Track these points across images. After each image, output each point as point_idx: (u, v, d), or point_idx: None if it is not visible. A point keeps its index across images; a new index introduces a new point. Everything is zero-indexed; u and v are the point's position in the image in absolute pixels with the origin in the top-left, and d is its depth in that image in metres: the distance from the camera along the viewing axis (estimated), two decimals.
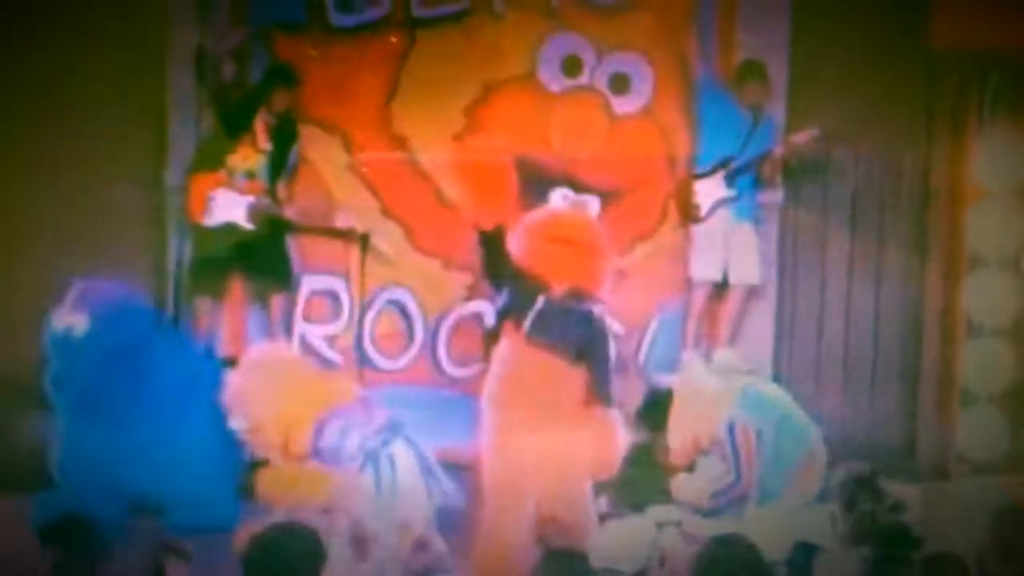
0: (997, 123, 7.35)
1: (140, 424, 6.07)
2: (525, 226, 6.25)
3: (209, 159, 6.77)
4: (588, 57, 7.24)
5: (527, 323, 6.08)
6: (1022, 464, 7.32)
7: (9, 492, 6.34)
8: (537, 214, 6.42)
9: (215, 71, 6.78)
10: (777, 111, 7.31)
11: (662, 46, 7.27)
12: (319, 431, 6.08)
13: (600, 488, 6.27)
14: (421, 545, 5.94)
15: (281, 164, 6.88)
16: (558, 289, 6.11)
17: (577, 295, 6.14)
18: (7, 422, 6.74)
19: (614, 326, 6.78)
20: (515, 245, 6.26)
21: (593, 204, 7.08)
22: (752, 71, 7.16)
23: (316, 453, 6.09)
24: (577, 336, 6.12)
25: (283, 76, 6.80)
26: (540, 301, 6.09)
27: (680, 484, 6.39)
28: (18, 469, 6.51)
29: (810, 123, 7.17)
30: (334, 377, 6.79)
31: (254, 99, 6.75)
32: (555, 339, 6.07)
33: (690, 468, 6.50)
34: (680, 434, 6.47)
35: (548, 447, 6.10)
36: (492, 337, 6.42)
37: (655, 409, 6.49)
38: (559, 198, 6.98)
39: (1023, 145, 7.38)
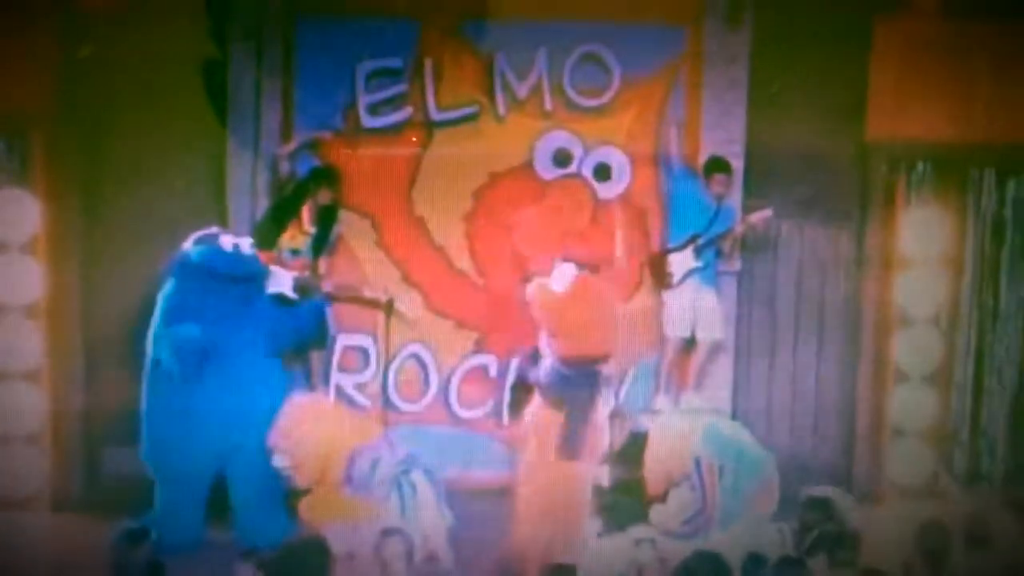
0: (921, 203, 7.67)
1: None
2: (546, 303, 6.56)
3: (263, 239, 7.19)
4: (576, 151, 7.65)
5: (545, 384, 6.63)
6: (941, 489, 7.67)
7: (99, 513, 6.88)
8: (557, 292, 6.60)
9: (272, 169, 7.26)
10: (735, 196, 7.61)
11: (639, 142, 7.65)
12: (351, 464, 6.69)
13: (592, 511, 6.73)
14: (431, 558, 6.41)
15: (323, 244, 7.34)
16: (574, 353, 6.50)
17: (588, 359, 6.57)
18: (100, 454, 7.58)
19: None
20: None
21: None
22: (718, 165, 7.54)
23: (348, 482, 6.69)
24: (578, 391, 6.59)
25: (326, 175, 7.29)
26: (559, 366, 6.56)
27: (655, 513, 6.90)
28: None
29: (763, 205, 7.56)
30: (363, 418, 7.35)
31: (302, 192, 7.24)
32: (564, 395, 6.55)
33: (663, 498, 6.97)
34: (654, 469, 6.99)
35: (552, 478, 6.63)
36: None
37: (634, 448, 7.12)
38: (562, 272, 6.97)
39: (943, 221, 7.69)
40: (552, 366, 6.55)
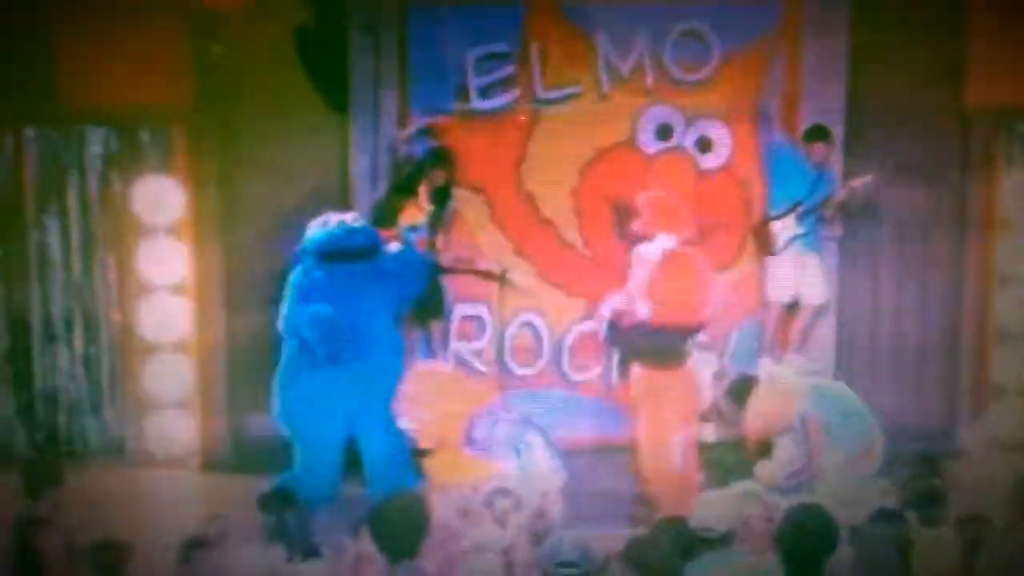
0: (1021, 165, 7.71)
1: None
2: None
3: (383, 217, 7.41)
4: (678, 124, 7.69)
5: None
6: None
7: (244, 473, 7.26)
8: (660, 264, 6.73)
9: (391, 153, 7.45)
10: (835, 162, 7.62)
11: (739, 113, 7.65)
12: (471, 426, 6.90)
13: (701, 467, 6.91)
14: (540, 513, 6.38)
15: (439, 220, 7.51)
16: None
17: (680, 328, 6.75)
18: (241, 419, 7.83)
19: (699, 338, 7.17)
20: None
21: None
22: (819, 133, 7.50)
23: (469, 443, 6.91)
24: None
25: (441, 156, 7.45)
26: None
27: (761, 468, 6.92)
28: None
29: (864, 170, 7.53)
30: (481, 383, 7.59)
31: (418, 173, 7.42)
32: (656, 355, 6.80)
33: (768, 454, 7.00)
34: (756, 416, 7.01)
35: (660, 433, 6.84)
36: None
37: (741, 389, 7.05)
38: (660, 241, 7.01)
39: None
40: (646, 329, 6.69)
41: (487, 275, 7.62)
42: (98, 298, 7.61)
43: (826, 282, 7.75)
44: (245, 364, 7.55)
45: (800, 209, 7.58)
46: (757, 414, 7.07)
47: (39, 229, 7.52)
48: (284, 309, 6.88)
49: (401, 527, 4.48)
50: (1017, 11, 7.43)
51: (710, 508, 5.55)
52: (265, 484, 6.58)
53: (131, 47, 7.19)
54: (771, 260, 7.70)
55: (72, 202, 7.51)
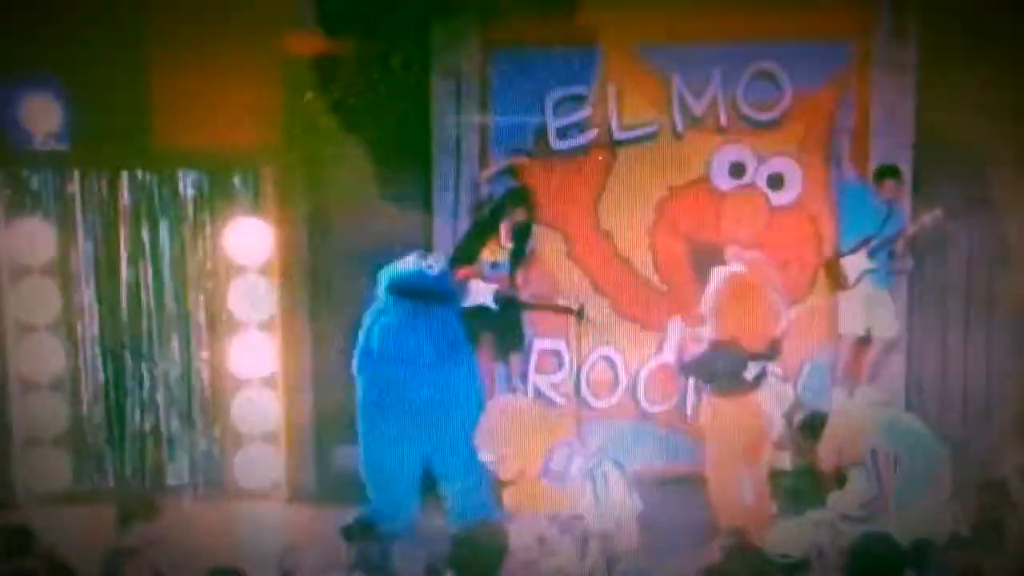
0: None
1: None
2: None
3: (466, 254, 7.62)
4: (750, 162, 7.84)
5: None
6: None
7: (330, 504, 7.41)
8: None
9: (472, 192, 7.66)
10: (904, 197, 7.71)
11: (810, 151, 7.79)
12: (549, 457, 7.03)
13: (774, 496, 7.08)
14: (615, 543, 6.50)
15: (519, 257, 7.68)
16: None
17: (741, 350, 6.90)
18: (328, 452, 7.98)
19: (774, 370, 7.27)
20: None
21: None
22: (888, 172, 7.62)
23: (546, 474, 7.05)
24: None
25: (521, 195, 7.64)
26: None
27: (834, 498, 7.02)
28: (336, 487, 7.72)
29: (932, 206, 7.64)
30: (559, 416, 7.67)
31: (499, 211, 7.62)
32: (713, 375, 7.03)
33: (841, 485, 7.09)
34: (829, 448, 7.15)
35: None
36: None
37: (813, 425, 7.21)
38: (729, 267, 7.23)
39: None
40: (708, 351, 6.89)
41: (565, 310, 7.77)
42: (191, 335, 7.77)
43: (897, 316, 7.83)
44: (330, 398, 7.67)
45: (871, 244, 7.68)
46: (830, 446, 7.20)
47: (133, 269, 7.69)
48: (359, 347, 7.12)
49: (480, 555, 4.65)
50: None
51: (785, 535, 5.68)
52: (348, 515, 6.78)
53: (224, 92, 7.35)
54: (843, 294, 7.80)
55: (164, 243, 7.70)
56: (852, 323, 7.78)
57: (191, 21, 7.41)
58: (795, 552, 5.43)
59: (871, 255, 7.68)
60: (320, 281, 7.79)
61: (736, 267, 7.10)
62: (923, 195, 7.74)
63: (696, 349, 7.07)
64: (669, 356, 7.54)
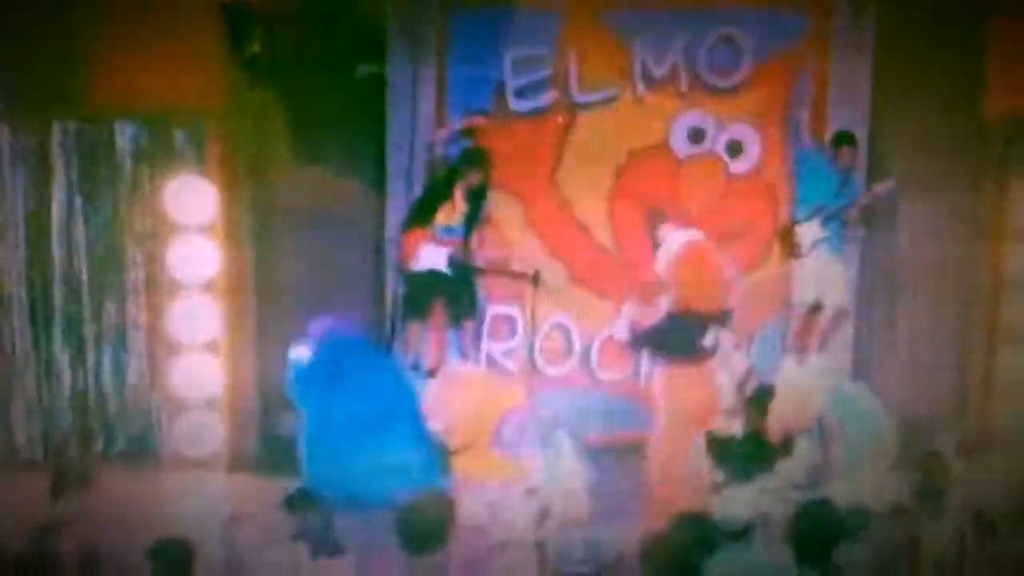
0: None
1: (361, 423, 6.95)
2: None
3: (418, 218, 7.39)
4: (710, 128, 7.77)
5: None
6: None
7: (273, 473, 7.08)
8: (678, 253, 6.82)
9: (428, 153, 7.42)
10: (859, 169, 7.71)
11: (769, 119, 7.75)
12: (501, 426, 6.94)
13: (718, 463, 6.89)
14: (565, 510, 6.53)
15: (474, 222, 7.47)
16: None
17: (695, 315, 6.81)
18: (275, 423, 7.62)
19: (728, 337, 7.19)
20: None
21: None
22: (845, 138, 7.63)
23: (498, 443, 6.96)
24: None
25: (477, 157, 7.39)
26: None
27: (781, 466, 6.90)
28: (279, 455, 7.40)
29: (886, 176, 7.67)
30: (511, 384, 7.55)
31: (454, 174, 7.37)
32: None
33: (788, 452, 7.02)
34: (777, 418, 7.04)
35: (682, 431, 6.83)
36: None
37: (761, 399, 7.09)
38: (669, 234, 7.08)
39: None
40: (663, 321, 6.73)
41: (520, 276, 7.59)
42: (128, 298, 7.41)
43: (847, 285, 7.85)
44: (274, 365, 7.35)
45: (825, 213, 7.67)
46: (778, 416, 7.11)
47: (68, 227, 7.31)
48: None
49: (425, 523, 4.55)
50: None
51: (731, 503, 5.86)
52: (291, 485, 6.34)
53: (167, 44, 7.00)
54: (796, 262, 7.77)
55: (101, 200, 7.32)
56: (804, 291, 7.77)
57: None
58: (740, 519, 5.48)
59: (824, 223, 7.68)
60: (265, 242, 7.49)
61: (687, 235, 6.97)
62: (877, 167, 7.72)
63: (650, 320, 6.91)
64: (622, 334, 7.23)
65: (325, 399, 6.89)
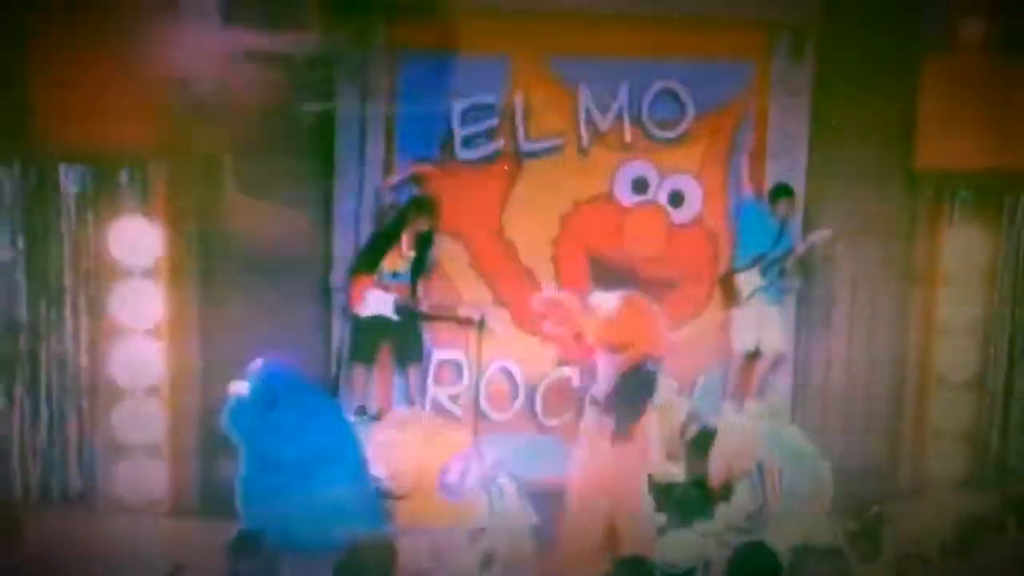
0: (963, 224, 8.04)
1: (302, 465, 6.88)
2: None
3: (366, 264, 7.42)
4: (653, 179, 7.87)
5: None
6: (982, 484, 8.07)
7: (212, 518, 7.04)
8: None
9: (376, 199, 7.41)
10: (797, 218, 7.84)
11: (710, 170, 7.89)
12: (445, 471, 6.99)
13: (659, 507, 6.98)
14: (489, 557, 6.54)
15: (421, 267, 7.53)
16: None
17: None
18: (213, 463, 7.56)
19: (670, 383, 7.52)
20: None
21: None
22: (783, 191, 7.79)
23: (443, 488, 7.00)
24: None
25: (424, 203, 7.43)
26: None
27: (722, 510, 7.17)
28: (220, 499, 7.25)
29: (822, 226, 7.82)
30: (456, 428, 7.60)
31: (402, 220, 7.41)
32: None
33: (728, 497, 7.29)
34: (718, 463, 7.32)
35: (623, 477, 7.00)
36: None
37: (702, 442, 7.35)
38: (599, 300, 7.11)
39: (982, 242, 8.07)
40: (608, 376, 6.86)
41: (466, 321, 7.64)
42: (68, 340, 7.28)
43: (785, 331, 7.98)
44: (218, 408, 7.14)
45: (763, 262, 7.81)
46: (719, 460, 7.35)
47: (10, 268, 7.16)
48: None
49: (366, 568, 4.54)
50: (961, 82, 7.78)
51: (672, 546, 5.79)
52: (233, 530, 6.22)
53: (113, 87, 6.90)
54: (736, 310, 7.91)
55: (45, 242, 7.20)
56: (744, 338, 7.90)
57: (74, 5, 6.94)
58: (682, 563, 5.51)
59: (763, 272, 7.81)
60: (211, 285, 7.40)
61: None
62: (813, 216, 7.90)
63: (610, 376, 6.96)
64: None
65: (263, 436, 6.80)
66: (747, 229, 7.87)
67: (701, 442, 7.33)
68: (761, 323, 7.89)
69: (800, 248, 7.84)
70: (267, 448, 6.81)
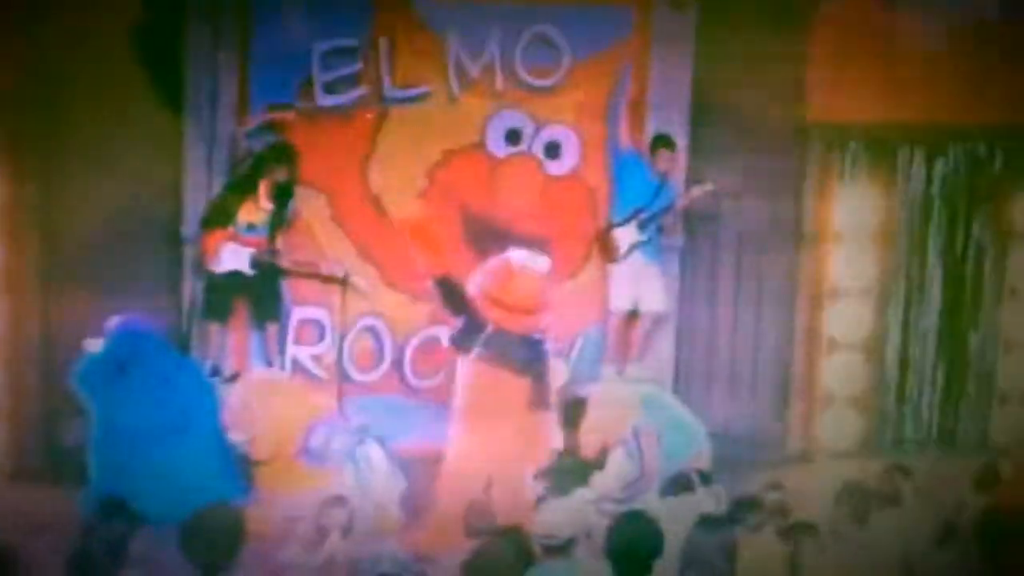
0: (854, 180, 7.81)
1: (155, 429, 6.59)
2: (483, 285, 6.64)
3: (219, 216, 7.07)
4: (527, 129, 7.57)
5: (478, 347, 6.72)
6: (869, 450, 7.89)
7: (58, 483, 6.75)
8: (494, 275, 6.68)
9: (229, 147, 7.06)
10: (678, 172, 7.61)
11: (587, 120, 7.60)
12: (307, 435, 6.67)
13: (537, 476, 6.75)
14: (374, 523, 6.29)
15: (280, 220, 7.18)
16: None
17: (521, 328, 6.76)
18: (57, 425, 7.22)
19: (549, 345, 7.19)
20: (472, 292, 6.70)
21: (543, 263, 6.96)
22: (663, 142, 7.52)
23: (305, 453, 6.69)
24: (520, 355, 6.72)
25: (282, 152, 7.08)
26: (489, 329, 6.71)
27: (596, 479, 6.94)
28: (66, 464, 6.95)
29: (705, 179, 7.56)
30: (318, 390, 7.29)
31: (258, 169, 7.06)
32: (502, 358, 6.71)
33: (602, 465, 7.03)
34: (590, 434, 7.10)
35: (497, 443, 6.67)
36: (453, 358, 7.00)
37: (573, 412, 7.11)
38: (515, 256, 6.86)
39: (874, 199, 7.87)
40: (495, 334, 6.60)
41: (329, 278, 7.34)
42: None
43: (665, 291, 7.73)
44: (63, 368, 6.85)
45: (642, 216, 7.56)
46: (592, 427, 7.12)
47: None
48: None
49: (213, 538, 4.25)
50: (853, 33, 7.54)
51: (552, 516, 5.42)
52: (78, 495, 6.22)
53: None
54: (614, 268, 7.63)
55: None
56: (621, 296, 7.65)
57: None
58: (561, 534, 5.23)
59: (641, 227, 7.56)
60: (55, 238, 7.03)
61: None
62: (696, 169, 7.62)
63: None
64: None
65: (115, 399, 6.48)
66: (625, 182, 7.60)
67: (572, 412, 7.08)
68: (639, 281, 7.63)
69: (681, 202, 7.58)
70: (119, 411, 6.48)
